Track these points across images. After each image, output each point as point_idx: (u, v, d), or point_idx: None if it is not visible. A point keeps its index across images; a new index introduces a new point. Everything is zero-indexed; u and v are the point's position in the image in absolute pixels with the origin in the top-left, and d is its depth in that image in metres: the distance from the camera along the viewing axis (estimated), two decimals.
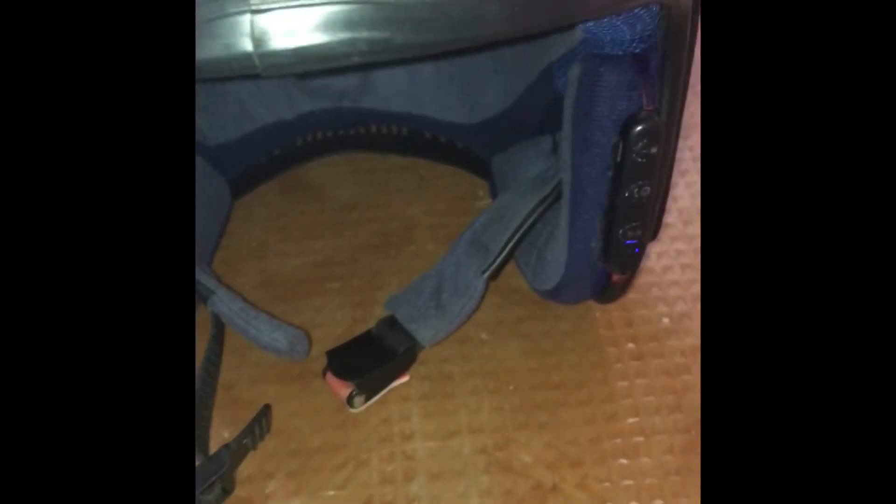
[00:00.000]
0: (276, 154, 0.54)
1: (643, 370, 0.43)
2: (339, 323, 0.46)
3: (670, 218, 0.51)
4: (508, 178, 0.47)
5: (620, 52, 0.34)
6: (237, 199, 0.52)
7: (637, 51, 0.34)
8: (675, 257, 0.49)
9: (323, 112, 0.53)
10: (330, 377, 0.42)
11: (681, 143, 0.55)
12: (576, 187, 0.37)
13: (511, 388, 0.43)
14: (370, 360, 0.42)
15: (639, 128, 0.34)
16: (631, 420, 0.41)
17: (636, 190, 0.36)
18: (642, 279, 0.48)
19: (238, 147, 0.51)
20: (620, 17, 0.32)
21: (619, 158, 0.35)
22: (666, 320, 0.46)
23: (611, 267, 0.39)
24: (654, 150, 0.34)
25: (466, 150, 0.54)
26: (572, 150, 0.37)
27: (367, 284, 0.48)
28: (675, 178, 0.53)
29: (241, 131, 0.51)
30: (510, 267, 0.48)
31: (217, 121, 0.50)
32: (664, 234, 0.50)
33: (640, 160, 0.35)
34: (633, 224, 0.37)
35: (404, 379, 0.43)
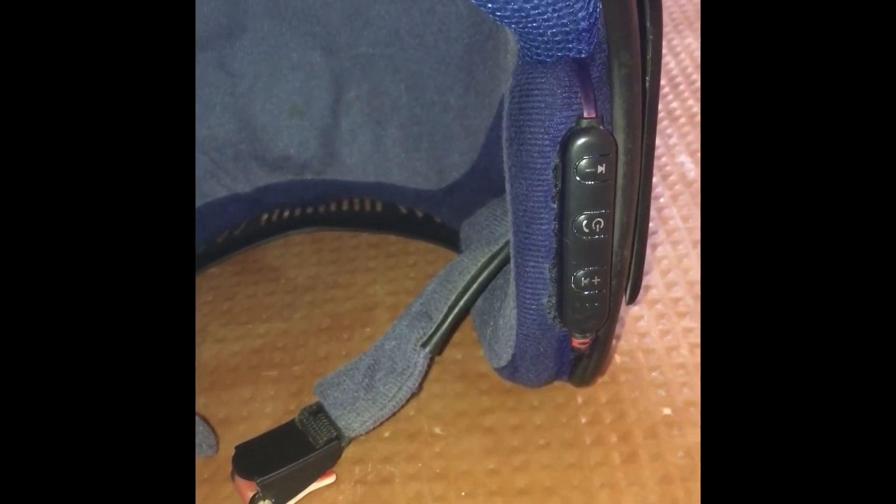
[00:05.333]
0: (234, 234, 0.49)
1: (635, 474, 0.34)
2: (267, 416, 0.38)
3: (679, 291, 0.42)
4: (472, 241, 0.39)
5: (558, 55, 0.28)
6: None
7: (577, 53, 0.27)
8: (682, 336, 0.40)
9: (283, 186, 0.48)
10: (237, 477, 0.34)
11: (695, 211, 0.48)
12: (517, 226, 0.30)
13: (463, 493, 0.34)
14: (282, 455, 0.34)
15: (580, 141, 0.27)
16: None
17: (586, 223, 0.28)
18: (640, 362, 0.39)
19: None
20: (547, 10, 0.26)
21: (559, 183, 0.28)
22: (667, 411, 0.36)
23: (568, 327, 0.30)
24: (601, 168, 0.27)
25: (443, 225, 0.47)
26: (510, 181, 0.30)
27: (308, 372, 0.41)
28: (688, 248, 0.45)
29: None
30: (477, 350, 0.40)
31: None
32: (671, 309, 0.41)
33: (586, 183, 0.27)
34: (589, 268, 0.29)
35: (329, 480, 0.35)
